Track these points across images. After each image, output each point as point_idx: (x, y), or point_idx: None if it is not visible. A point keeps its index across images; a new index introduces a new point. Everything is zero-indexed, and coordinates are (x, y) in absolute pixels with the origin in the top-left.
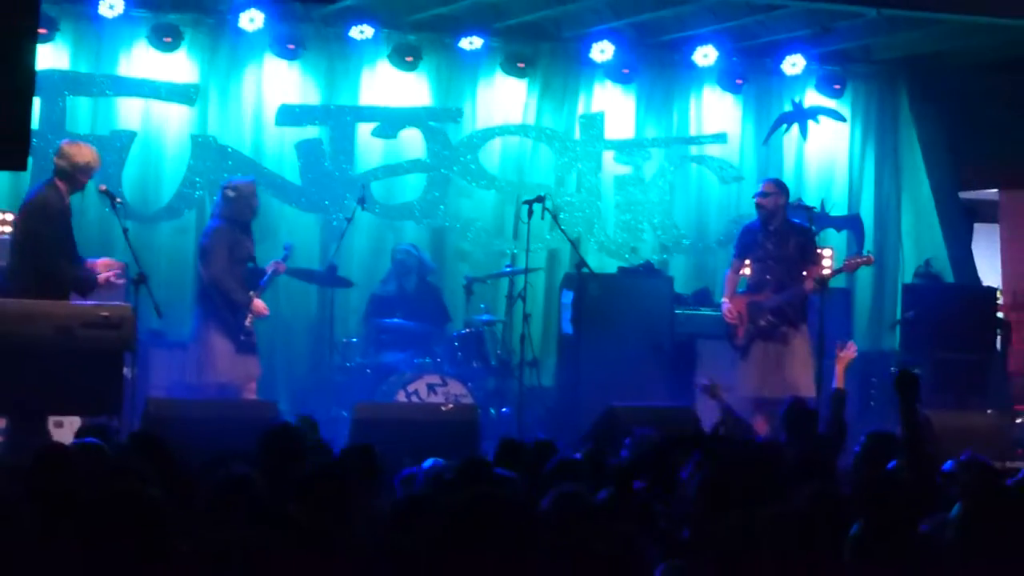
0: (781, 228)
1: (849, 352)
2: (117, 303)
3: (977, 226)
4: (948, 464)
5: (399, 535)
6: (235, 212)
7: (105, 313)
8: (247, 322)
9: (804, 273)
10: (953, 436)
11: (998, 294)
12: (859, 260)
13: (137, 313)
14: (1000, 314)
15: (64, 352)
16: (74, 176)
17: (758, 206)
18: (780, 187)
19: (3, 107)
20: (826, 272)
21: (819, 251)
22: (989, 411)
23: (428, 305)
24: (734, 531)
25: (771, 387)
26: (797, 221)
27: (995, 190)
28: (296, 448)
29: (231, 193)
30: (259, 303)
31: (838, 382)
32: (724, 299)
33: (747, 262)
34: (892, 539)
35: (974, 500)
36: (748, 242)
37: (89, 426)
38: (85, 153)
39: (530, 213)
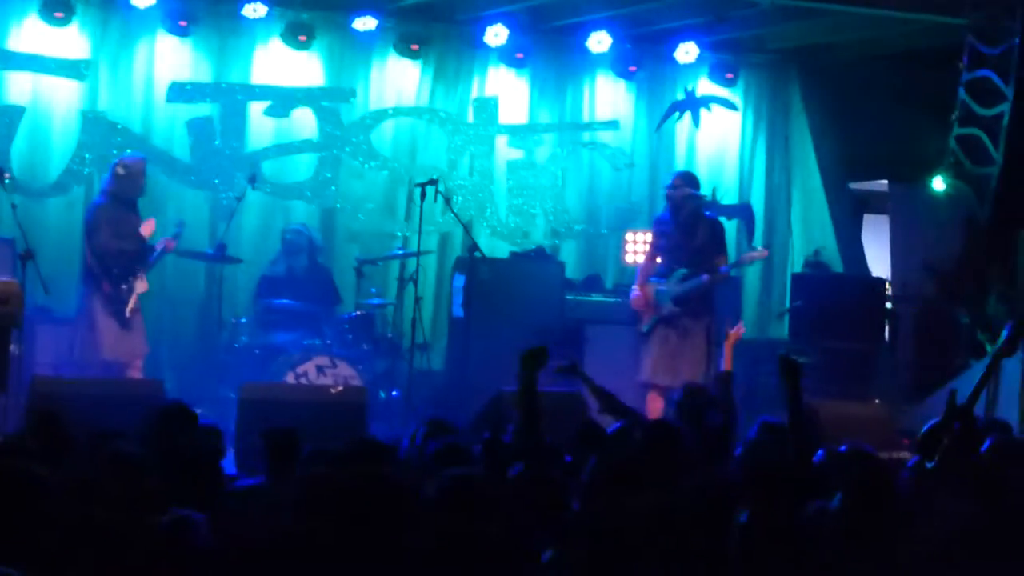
0: (689, 219)
1: (738, 331)
2: (4, 278)
3: (867, 217)
4: (819, 453)
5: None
6: (122, 189)
7: None
8: (130, 306)
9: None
10: (839, 425)
11: (887, 284)
12: (754, 255)
13: (24, 289)
14: (888, 304)
15: None
16: None
17: (667, 197)
18: (688, 180)
19: None
20: (731, 269)
21: (726, 244)
22: (876, 401)
23: (318, 286)
24: (622, 516)
25: (663, 374)
26: (708, 214)
27: (884, 181)
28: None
29: (121, 171)
30: (141, 282)
31: (726, 363)
32: (635, 287)
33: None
34: (776, 526)
35: (855, 490)
36: (659, 232)
37: None
38: None
39: (423, 196)
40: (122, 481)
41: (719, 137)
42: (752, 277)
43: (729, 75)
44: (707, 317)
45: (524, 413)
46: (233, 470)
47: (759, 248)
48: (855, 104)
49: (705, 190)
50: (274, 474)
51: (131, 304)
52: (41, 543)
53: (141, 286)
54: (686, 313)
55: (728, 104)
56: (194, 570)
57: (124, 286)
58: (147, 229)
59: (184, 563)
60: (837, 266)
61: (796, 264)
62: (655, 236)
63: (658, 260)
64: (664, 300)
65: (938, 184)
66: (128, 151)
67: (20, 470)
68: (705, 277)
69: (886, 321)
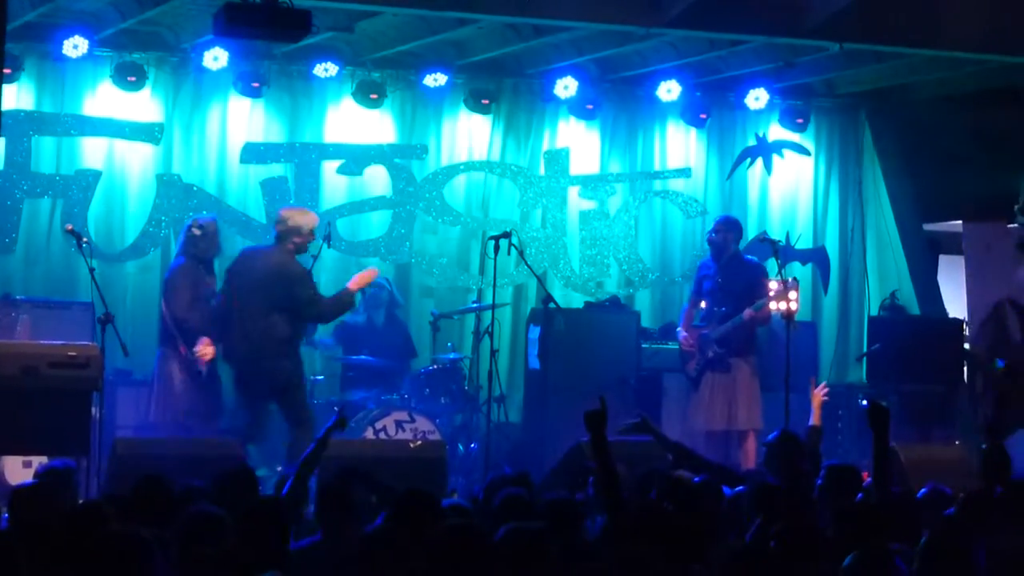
0: (731, 263)
1: (822, 390)
2: (83, 343)
3: (942, 258)
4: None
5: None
6: (200, 250)
7: (72, 352)
8: (202, 364)
9: None
10: (920, 468)
11: (964, 326)
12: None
13: (104, 352)
14: (967, 346)
15: (31, 392)
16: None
17: (709, 242)
18: (730, 224)
19: None
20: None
21: (769, 286)
22: (956, 443)
23: (396, 340)
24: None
25: (718, 420)
26: (748, 258)
27: (959, 222)
28: (250, 488)
29: (197, 231)
30: (206, 347)
31: (815, 419)
32: (680, 329)
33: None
34: (880, 569)
35: (936, 531)
36: (702, 276)
37: (50, 468)
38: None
39: (496, 249)
40: (208, 542)
41: (791, 182)
42: (829, 322)
43: (800, 120)
44: (752, 357)
45: (600, 472)
46: None
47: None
48: (927, 145)
49: (779, 235)
50: (328, 531)
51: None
52: None
53: (205, 351)
54: (730, 354)
55: (800, 149)
56: None
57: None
58: (368, 276)
59: None
60: (913, 308)
61: (873, 308)
62: (697, 281)
63: (702, 305)
64: (708, 343)
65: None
66: (203, 212)
67: (130, 535)
68: (745, 314)
69: (964, 363)
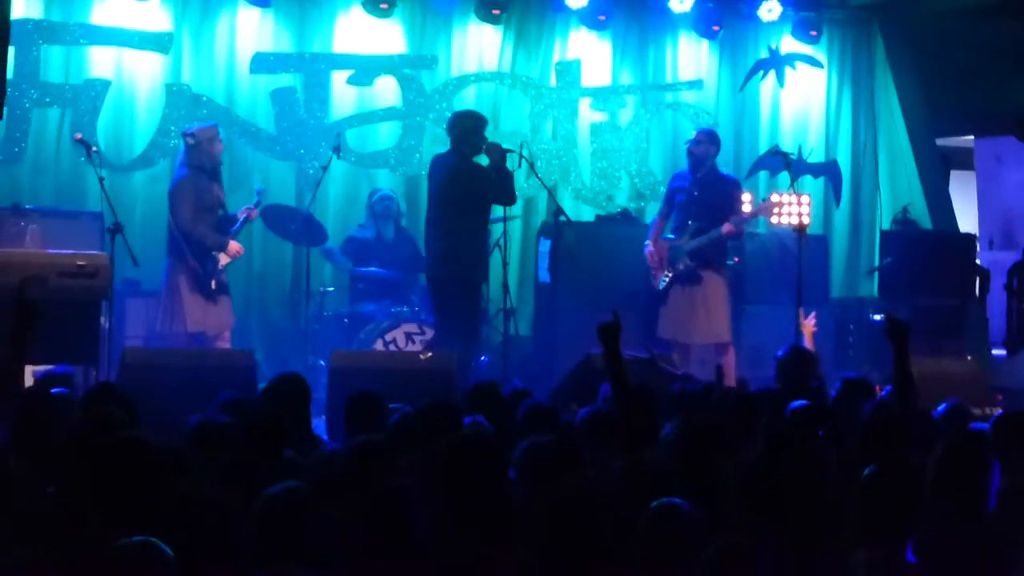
0: (709, 176)
1: (811, 322)
2: (93, 252)
3: (953, 173)
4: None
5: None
6: (197, 159)
7: (81, 262)
8: (220, 265)
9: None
10: (933, 382)
11: (975, 240)
12: (768, 205)
13: (113, 262)
14: (978, 260)
15: (40, 301)
16: None
17: (688, 153)
18: (711, 137)
19: None
20: (746, 211)
21: (742, 202)
22: (968, 357)
23: (405, 252)
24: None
25: (687, 332)
26: (724, 172)
27: (970, 137)
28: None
29: (190, 140)
30: (234, 243)
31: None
32: (648, 242)
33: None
34: (900, 477)
35: (953, 445)
36: (676, 188)
37: (50, 375)
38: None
39: (505, 160)
40: (209, 453)
41: (803, 95)
42: (840, 235)
43: (813, 32)
44: (724, 269)
45: (615, 385)
46: (325, 437)
47: (770, 199)
48: (940, 58)
49: (790, 148)
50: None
51: (220, 269)
52: (170, 515)
53: (234, 248)
54: (701, 267)
55: (812, 62)
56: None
57: (211, 256)
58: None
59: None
60: (925, 223)
61: (884, 221)
62: (669, 192)
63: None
64: (679, 256)
65: None
66: (196, 123)
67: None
68: (722, 228)
69: (976, 276)
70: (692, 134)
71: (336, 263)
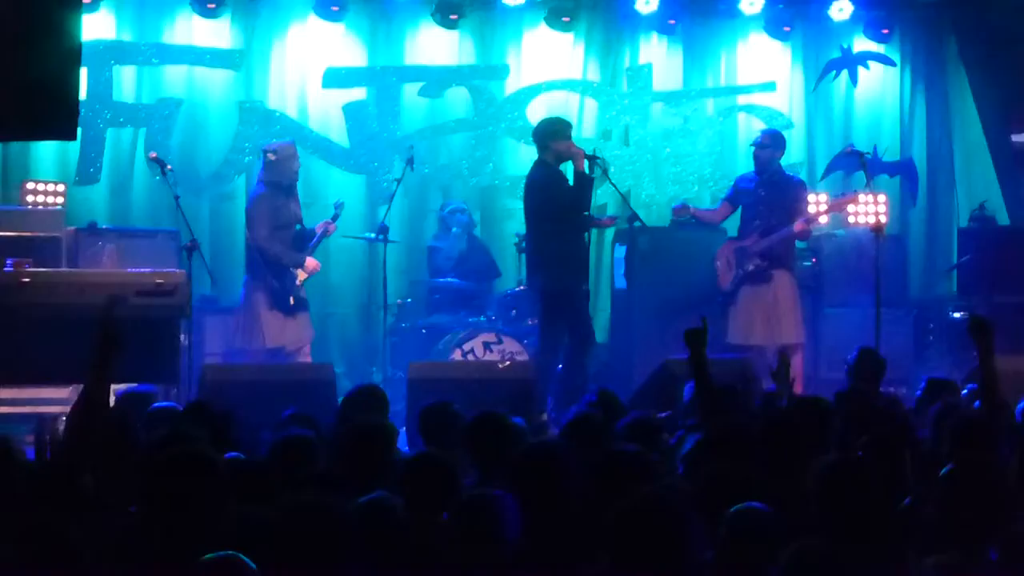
0: (774, 178)
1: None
2: (170, 270)
3: None
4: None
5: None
6: (276, 175)
7: (159, 280)
8: (298, 282)
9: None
10: (1013, 380)
11: None
12: (846, 199)
13: (190, 279)
14: None
15: (119, 320)
16: None
17: (754, 156)
18: (776, 139)
19: (52, 78)
20: (820, 211)
21: (807, 203)
22: None
23: (479, 261)
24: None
25: (759, 335)
26: (790, 173)
27: None
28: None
29: (271, 156)
30: (311, 260)
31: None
32: (690, 207)
33: (733, 208)
34: (983, 479)
35: None
36: (741, 189)
37: (132, 393)
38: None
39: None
40: (294, 464)
41: (877, 94)
42: (917, 233)
43: (885, 30)
44: (792, 271)
45: (699, 389)
46: (405, 449)
47: (851, 193)
48: (1013, 54)
49: (865, 148)
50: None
51: (298, 285)
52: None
53: (312, 265)
54: (772, 266)
55: (885, 60)
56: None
57: (288, 272)
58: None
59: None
60: (1003, 219)
61: (962, 219)
62: (735, 191)
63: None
64: (748, 256)
65: None
66: (274, 139)
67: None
68: (793, 227)
69: None
70: (757, 137)
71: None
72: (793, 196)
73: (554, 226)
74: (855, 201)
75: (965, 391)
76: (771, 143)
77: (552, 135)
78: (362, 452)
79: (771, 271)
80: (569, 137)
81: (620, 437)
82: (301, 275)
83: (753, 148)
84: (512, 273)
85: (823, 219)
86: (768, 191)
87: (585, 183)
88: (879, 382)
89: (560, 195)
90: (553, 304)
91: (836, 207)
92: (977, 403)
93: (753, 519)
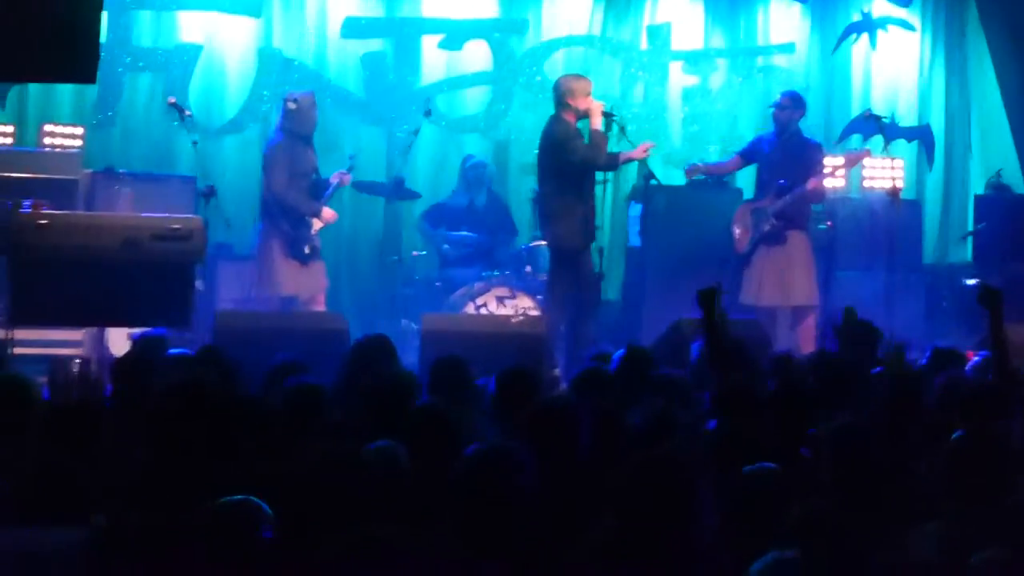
0: (793, 139)
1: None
2: (186, 215)
3: None
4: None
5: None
6: (295, 124)
7: (175, 225)
8: (314, 231)
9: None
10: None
11: None
12: (857, 155)
13: (206, 225)
14: None
15: (134, 264)
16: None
17: (774, 116)
18: (796, 101)
19: (73, 21)
20: (836, 172)
21: (824, 165)
22: None
23: (496, 218)
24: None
25: (772, 296)
26: (808, 136)
27: None
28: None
29: (292, 105)
30: (328, 210)
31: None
32: (700, 164)
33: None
34: (991, 447)
35: None
36: (757, 148)
37: (145, 337)
38: None
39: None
40: (304, 413)
41: (896, 58)
42: (933, 200)
43: None
44: (806, 232)
45: (712, 351)
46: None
47: (861, 149)
48: None
49: (883, 112)
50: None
51: (313, 235)
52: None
53: (328, 215)
54: (786, 227)
55: (905, 24)
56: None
57: (305, 221)
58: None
59: (388, 491)
60: (1019, 187)
61: (978, 186)
62: (751, 148)
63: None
64: (764, 216)
65: None
66: (294, 87)
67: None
68: (806, 186)
69: None
70: (777, 98)
71: (424, 233)
72: (809, 157)
73: (565, 182)
74: (867, 155)
75: (978, 357)
76: (791, 104)
77: (571, 91)
78: (384, 402)
79: (785, 232)
80: (589, 94)
81: (650, 392)
82: (317, 224)
83: (773, 109)
84: (527, 229)
85: (838, 177)
86: (785, 152)
87: (598, 140)
88: (872, 346)
89: (572, 151)
90: (561, 261)
91: (849, 163)
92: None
93: (764, 479)
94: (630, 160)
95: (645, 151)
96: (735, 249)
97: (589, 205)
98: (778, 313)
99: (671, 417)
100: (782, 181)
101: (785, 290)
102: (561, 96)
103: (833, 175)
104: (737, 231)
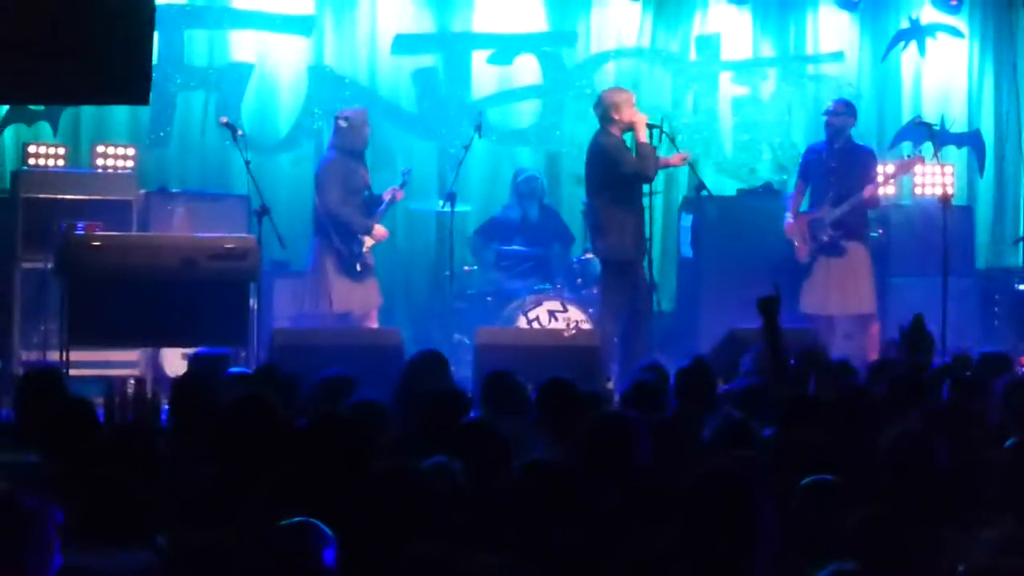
0: (846, 147)
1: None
2: (240, 234)
3: None
4: None
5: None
6: (347, 141)
7: (229, 244)
8: (366, 248)
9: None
10: None
11: None
12: (911, 161)
13: (260, 243)
14: None
15: (190, 283)
16: None
17: (827, 124)
18: (849, 108)
19: (125, 43)
20: (888, 180)
21: (878, 172)
22: None
23: (549, 229)
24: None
25: (834, 304)
26: (861, 144)
27: None
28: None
29: (343, 123)
30: (379, 227)
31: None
32: (788, 214)
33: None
34: None
35: None
36: (811, 160)
37: (203, 356)
38: None
39: (649, 136)
40: (365, 428)
41: (945, 65)
42: (984, 205)
43: (954, 1)
44: (865, 240)
45: (771, 357)
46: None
47: (913, 156)
48: None
49: (933, 119)
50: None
51: (365, 252)
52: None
53: (380, 232)
54: (844, 237)
55: (954, 31)
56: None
57: (357, 238)
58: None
59: (444, 507)
60: None
61: None
62: (805, 164)
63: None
64: (822, 227)
65: None
66: (355, 104)
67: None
68: (863, 194)
69: None
70: (829, 105)
71: (477, 249)
72: (864, 165)
73: (615, 194)
74: (920, 162)
75: None
76: (845, 111)
77: (615, 105)
78: (435, 418)
79: (844, 242)
80: (633, 105)
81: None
82: (368, 241)
83: (826, 116)
84: (579, 241)
85: (891, 184)
86: (839, 161)
87: (647, 152)
88: (931, 353)
89: (622, 164)
90: (613, 273)
91: (902, 170)
92: None
93: (824, 491)
94: (668, 166)
95: (683, 160)
96: (796, 259)
97: (639, 217)
98: (835, 322)
99: (747, 429)
100: (832, 191)
101: (847, 299)
102: (605, 110)
103: (886, 183)
104: (797, 243)
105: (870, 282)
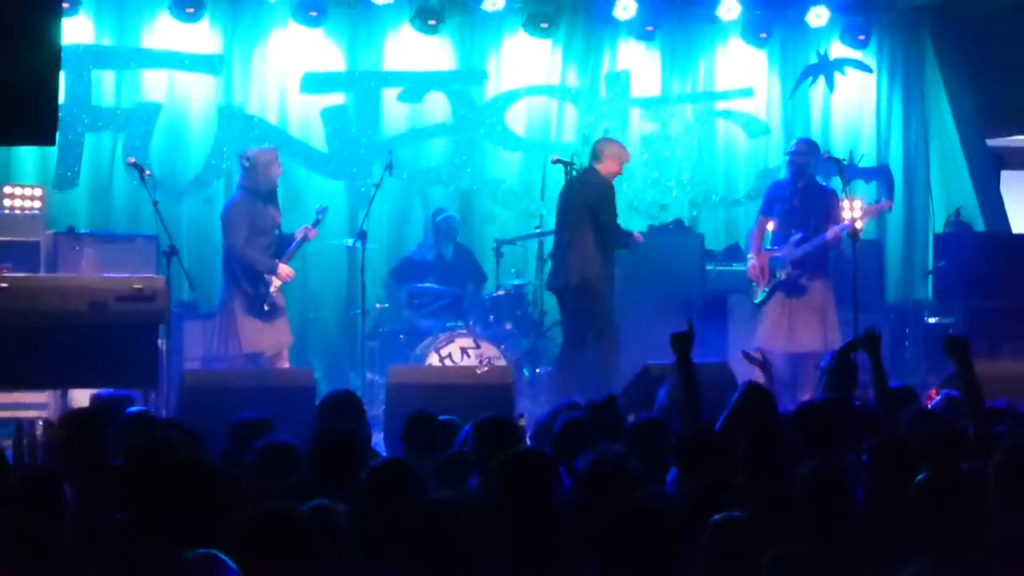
0: (809, 185)
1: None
2: (149, 275)
3: (1004, 173)
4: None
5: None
6: (253, 181)
7: (138, 285)
8: (272, 289)
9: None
10: (990, 385)
11: None
12: (878, 206)
13: (169, 285)
14: None
15: (99, 325)
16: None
17: (789, 163)
18: (811, 147)
19: (31, 83)
20: (856, 221)
21: (842, 211)
22: None
23: (465, 266)
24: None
25: (776, 340)
26: (823, 182)
27: (1022, 136)
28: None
29: (246, 163)
30: (284, 267)
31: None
32: (750, 255)
33: (771, 220)
34: (961, 489)
35: (1011, 449)
36: (775, 196)
37: (104, 398)
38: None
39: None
40: (275, 471)
41: (854, 100)
42: (894, 239)
43: (861, 36)
44: (826, 279)
45: (684, 393)
46: (383, 452)
47: (882, 200)
48: (989, 58)
49: (842, 154)
50: (412, 458)
51: (272, 293)
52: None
53: (284, 272)
54: (804, 275)
55: (862, 66)
56: (333, 558)
57: (263, 279)
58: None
59: (323, 551)
60: (978, 224)
61: (937, 224)
62: (768, 201)
63: (769, 227)
64: (780, 266)
65: None
66: (264, 143)
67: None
68: (826, 236)
69: None
70: (788, 143)
71: (391, 289)
72: (827, 205)
73: (602, 229)
74: (887, 208)
75: (940, 396)
76: (807, 150)
77: (612, 154)
78: (333, 459)
79: (804, 280)
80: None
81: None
82: (275, 281)
83: (788, 156)
84: (491, 278)
85: (859, 225)
86: (802, 200)
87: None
88: (850, 388)
89: (609, 213)
90: (589, 302)
91: (869, 214)
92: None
93: (736, 528)
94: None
95: (639, 239)
96: (752, 297)
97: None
98: (801, 358)
99: (625, 465)
100: (794, 230)
101: (797, 336)
102: (600, 152)
103: (853, 224)
104: (755, 279)
105: (823, 320)
